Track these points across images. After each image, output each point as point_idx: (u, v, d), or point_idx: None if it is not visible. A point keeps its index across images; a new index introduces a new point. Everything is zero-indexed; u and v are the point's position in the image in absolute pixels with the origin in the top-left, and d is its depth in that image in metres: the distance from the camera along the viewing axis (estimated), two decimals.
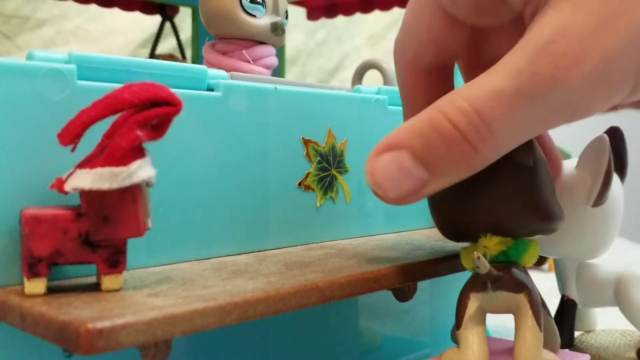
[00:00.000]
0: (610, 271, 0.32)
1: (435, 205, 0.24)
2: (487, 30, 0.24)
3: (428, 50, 0.24)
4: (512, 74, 0.18)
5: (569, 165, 0.29)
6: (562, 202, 0.24)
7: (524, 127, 0.19)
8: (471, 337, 0.22)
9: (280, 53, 0.61)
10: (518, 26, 0.22)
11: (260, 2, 0.34)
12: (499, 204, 0.22)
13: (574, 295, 0.32)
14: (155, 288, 0.20)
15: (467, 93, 0.19)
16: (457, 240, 0.25)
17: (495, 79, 0.18)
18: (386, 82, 0.40)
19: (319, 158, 0.30)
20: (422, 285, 0.27)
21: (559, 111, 0.18)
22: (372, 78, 0.42)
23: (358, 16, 0.61)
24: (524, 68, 0.18)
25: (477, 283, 0.23)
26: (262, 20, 0.34)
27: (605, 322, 0.35)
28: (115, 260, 0.19)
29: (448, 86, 0.24)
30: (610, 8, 0.18)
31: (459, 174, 0.20)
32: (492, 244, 0.22)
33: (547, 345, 0.24)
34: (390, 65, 0.40)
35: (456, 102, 0.19)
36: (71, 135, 0.18)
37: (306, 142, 0.30)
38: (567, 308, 0.32)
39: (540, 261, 0.31)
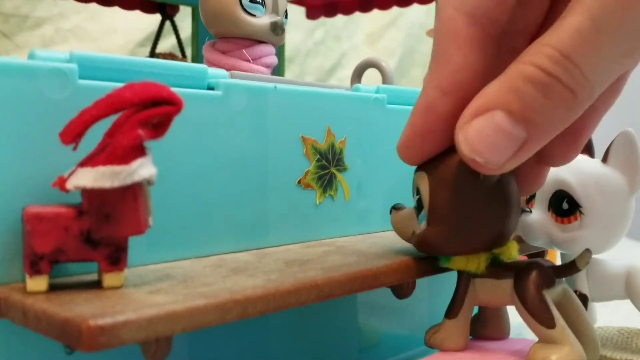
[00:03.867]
0: (620, 265, 0.32)
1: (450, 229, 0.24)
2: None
3: None
4: (585, 10, 0.18)
5: (592, 164, 0.30)
6: (603, 197, 0.27)
7: (612, 61, 0.18)
8: (567, 331, 0.22)
9: (280, 52, 0.61)
10: None
11: (260, 1, 0.34)
12: (513, 215, 0.23)
13: (585, 289, 0.32)
14: (155, 285, 0.20)
15: (550, 40, 0.18)
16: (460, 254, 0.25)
17: (572, 19, 0.18)
18: (385, 80, 0.40)
19: (318, 156, 0.30)
20: (421, 283, 0.27)
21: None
22: (371, 77, 0.42)
23: (356, 15, 0.61)
24: (595, 1, 0.18)
25: (546, 279, 0.23)
26: (262, 19, 0.35)
27: (602, 319, 0.36)
28: (116, 258, 0.19)
29: (490, 51, 0.22)
30: None
31: (558, 124, 0.19)
32: (515, 248, 0.25)
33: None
34: (388, 64, 0.40)
35: (542, 50, 0.18)
36: (73, 134, 0.19)
37: (305, 141, 0.30)
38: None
39: (539, 256, 0.32)
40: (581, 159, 0.30)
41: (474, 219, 0.23)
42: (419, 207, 0.24)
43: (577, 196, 0.29)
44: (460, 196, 0.22)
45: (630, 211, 0.30)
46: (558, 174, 0.29)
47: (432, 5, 0.48)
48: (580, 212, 0.29)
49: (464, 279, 0.25)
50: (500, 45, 0.23)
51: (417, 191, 0.24)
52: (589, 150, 0.31)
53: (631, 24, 0.17)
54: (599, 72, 0.18)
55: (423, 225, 0.24)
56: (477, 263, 0.24)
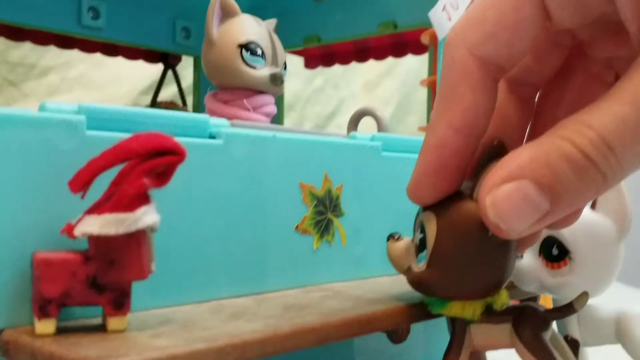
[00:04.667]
0: (610, 310, 0.33)
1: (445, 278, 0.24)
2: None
3: (503, 36, 0.20)
4: (634, 101, 0.18)
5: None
6: (592, 243, 0.27)
7: None
8: None
9: (280, 100, 0.63)
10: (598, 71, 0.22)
11: (260, 54, 0.36)
12: (511, 265, 0.24)
13: (576, 334, 0.32)
14: (157, 329, 0.21)
15: (592, 121, 0.18)
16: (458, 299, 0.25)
17: (618, 106, 0.18)
18: (380, 128, 0.41)
19: (315, 202, 0.31)
20: (416, 328, 0.28)
21: None
22: (368, 124, 0.44)
23: (354, 64, 0.63)
24: None
25: (544, 322, 0.24)
26: (262, 71, 0.36)
27: None
28: (120, 302, 0.20)
29: (495, 95, 0.22)
30: None
31: (583, 202, 0.19)
32: (506, 295, 0.25)
33: None
34: (383, 113, 0.41)
35: (582, 130, 0.18)
36: (81, 183, 0.19)
37: (303, 187, 0.31)
38: (571, 348, 0.33)
39: (533, 300, 0.32)
40: None
41: (475, 268, 0.23)
42: (421, 246, 0.24)
43: (566, 242, 0.29)
44: (466, 246, 0.23)
45: (619, 257, 0.30)
46: None
47: (426, 55, 0.50)
48: (570, 258, 0.29)
49: (460, 325, 0.25)
50: (509, 90, 0.24)
51: (422, 230, 0.24)
52: None
53: None
54: (634, 162, 0.19)
55: (423, 264, 0.24)
56: (472, 310, 0.24)
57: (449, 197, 0.23)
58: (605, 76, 0.23)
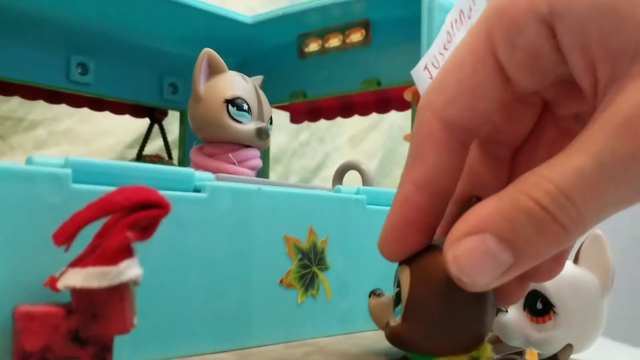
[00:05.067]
0: None
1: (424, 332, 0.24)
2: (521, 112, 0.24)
3: (462, 99, 0.21)
4: (593, 153, 0.18)
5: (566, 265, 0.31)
6: (575, 297, 0.27)
7: (610, 204, 0.19)
8: None
9: (265, 154, 0.63)
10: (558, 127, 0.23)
11: (246, 109, 0.36)
12: (489, 316, 0.24)
13: None
14: None
15: (550, 174, 0.18)
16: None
17: (577, 158, 0.18)
18: (365, 182, 0.41)
19: (300, 255, 0.31)
20: None
21: None
22: (354, 177, 0.44)
23: (340, 119, 0.64)
24: (604, 146, 0.18)
25: None
26: (248, 125, 0.36)
27: None
28: (102, 357, 0.20)
29: (462, 156, 0.22)
30: None
31: (545, 254, 0.19)
32: (489, 349, 0.24)
33: None
34: (368, 166, 0.42)
35: (541, 184, 0.18)
36: (65, 235, 0.19)
37: (288, 240, 0.31)
38: None
39: (520, 354, 0.32)
40: None
41: (451, 321, 0.23)
42: (397, 299, 0.24)
43: (550, 296, 0.29)
44: (438, 297, 0.22)
45: (603, 311, 0.31)
46: None
47: (409, 111, 0.51)
48: (555, 312, 0.29)
49: None
50: (483, 150, 0.24)
51: (398, 284, 0.24)
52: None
53: (638, 176, 0.18)
54: (595, 214, 0.19)
55: (398, 319, 0.24)
56: None
57: (423, 251, 0.23)
58: (576, 130, 0.23)
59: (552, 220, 0.18)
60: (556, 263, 0.24)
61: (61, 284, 0.19)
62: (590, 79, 0.20)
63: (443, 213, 0.23)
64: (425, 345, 0.23)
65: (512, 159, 0.25)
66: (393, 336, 0.24)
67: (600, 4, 0.19)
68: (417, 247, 0.23)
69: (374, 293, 0.26)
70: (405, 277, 0.23)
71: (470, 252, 0.19)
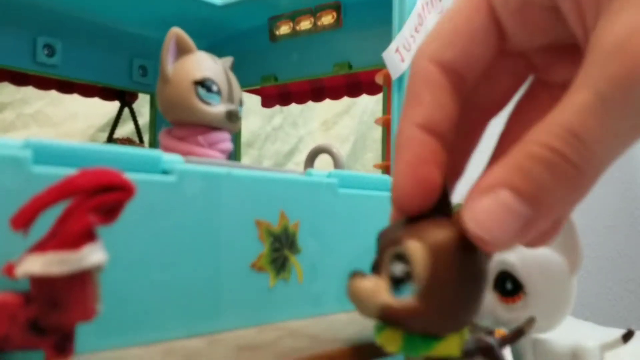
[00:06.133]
0: (565, 344, 0.33)
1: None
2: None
3: (458, 43, 0.22)
4: (590, 85, 0.18)
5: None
6: (545, 278, 0.28)
7: (619, 135, 0.18)
8: None
9: (236, 137, 0.63)
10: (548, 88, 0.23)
11: (216, 91, 0.35)
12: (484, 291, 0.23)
13: None
14: None
15: (556, 119, 0.18)
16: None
17: (577, 96, 0.18)
18: (336, 165, 0.41)
19: (271, 239, 0.31)
20: None
21: None
22: (325, 162, 0.44)
23: (312, 103, 0.64)
24: (600, 75, 0.18)
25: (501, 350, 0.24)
26: (218, 107, 0.36)
27: None
28: (63, 346, 0.19)
29: (457, 101, 0.22)
30: None
31: (562, 202, 0.19)
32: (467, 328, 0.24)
33: None
34: (339, 150, 0.42)
35: (549, 129, 0.18)
36: (23, 220, 0.19)
37: (259, 224, 0.30)
38: None
39: (512, 341, 0.32)
40: None
41: (467, 296, 0.22)
42: (403, 278, 0.22)
43: (520, 277, 0.30)
44: (461, 275, 0.21)
45: (572, 291, 0.31)
46: (502, 255, 0.30)
47: (380, 95, 0.51)
48: (524, 293, 0.30)
49: None
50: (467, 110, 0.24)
51: (403, 260, 0.22)
52: None
53: (638, 97, 0.18)
54: (605, 147, 0.18)
55: (410, 298, 0.22)
56: (457, 345, 0.23)
57: (429, 224, 0.22)
58: None
59: (564, 161, 0.18)
60: (554, 225, 0.23)
61: (19, 270, 0.18)
62: (582, 23, 0.19)
63: (446, 156, 0.22)
64: (439, 325, 0.22)
65: (483, 129, 0.25)
66: (401, 317, 0.22)
67: None
68: (435, 185, 0.22)
69: (357, 274, 0.24)
70: (418, 252, 0.22)
71: (489, 209, 0.19)
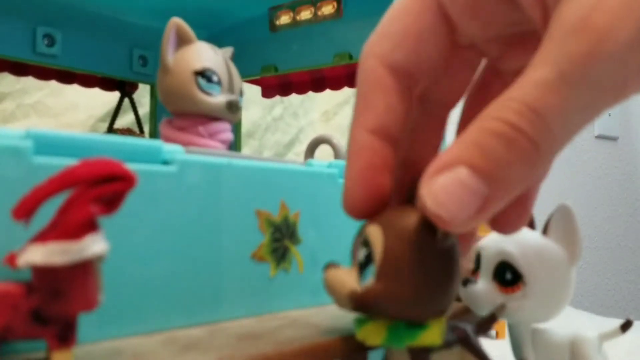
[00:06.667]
0: (564, 334, 0.33)
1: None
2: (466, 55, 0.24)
3: (408, 44, 0.22)
4: (550, 62, 0.18)
5: (533, 236, 0.31)
6: (544, 268, 0.28)
7: (576, 113, 0.18)
8: None
9: (237, 128, 0.63)
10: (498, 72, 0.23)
11: (216, 81, 0.35)
12: (458, 281, 0.23)
13: (531, 357, 0.33)
14: None
15: (514, 93, 0.18)
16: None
17: (536, 72, 0.18)
18: (337, 156, 0.41)
19: (272, 229, 0.31)
20: (374, 356, 0.27)
21: (604, 89, 0.18)
22: (325, 152, 0.44)
23: (312, 94, 0.64)
24: (560, 52, 0.18)
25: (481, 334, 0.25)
26: (218, 98, 0.36)
27: None
28: (65, 335, 0.19)
29: (408, 103, 0.22)
30: None
31: (520, 180, 0.19)
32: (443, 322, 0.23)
33: None
34: (340, 140, 0.42)
35: (507, 104, 0.18)
36: (25, 210, 0.19)
37: (260, 214, 0.30)
38: None
39: (487, 327, 0.32)
40: (523, 230, 0.31)
41: (429, 277, 0.22)
42: (366, 262, 0.23)
43: (519, 267, 0.30)
44: (414, 250, 0.21)
45: (571, 281, 0.31)
46: (501, 246, 0.30)
47: None
48: (523, 283, 0.30)
49: (422, 357, 0.24)
50: (422, 110, 0.24)
51: (366, 245, 0.23)
52: (530, 222, 0.33)
53: (597, 75, 0.17)
54: (563, 124, 0.18)
55: (370, 280, 0.22)
56: (439, 333, 0.23)
57: (391, 209, 0.22)
58: None
59: (522, 136, 0.18)
60: (522, 208, 0.23)
61: (21, 260, 0.18)
62: (540, 7, 0.19)
63: (396, 160, 0.22)
64: (401, 305, 0.22)
65: (445, 120, 0.25)
66: (365, 301, 0.22)
67: None
68: (383, 193, 0.22)
69: (330, 265, 0.25)
70: (376, 234, 0.22)
71: (446, 187, 0.19)
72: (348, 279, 0.23)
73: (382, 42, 0.22)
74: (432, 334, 0.23)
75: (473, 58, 0.24)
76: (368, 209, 0.23)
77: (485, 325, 0.26)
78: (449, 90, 0.24)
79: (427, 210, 0.19)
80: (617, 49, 0.17)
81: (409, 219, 0.21)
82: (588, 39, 0.17)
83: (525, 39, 0.21)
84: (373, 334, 0.23)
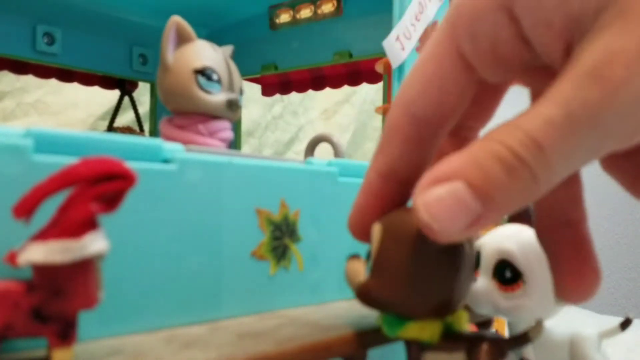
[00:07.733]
0: (564, 332, 0.33)
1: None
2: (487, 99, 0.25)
3: (430, 94, 0.23)
4: (562, 102, 0.18)
5: (532, 233, 0.31)
6: (543, 266, 0.28)
7: (579, 153, 0.19)
8: None
9: (237, 126, 0.63)
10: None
11: (216, 79, 0.35)
12: (462, 281, 0.23)
13: (531, 356, 0.33)
14: None
15: (522, 123, 0.19)
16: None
17: (547, 108, 0.19)
18: (336, 154, 0.41)
19: (272, 228, 0.31)
20: (373, 354, 0.27)
21: (610, 136, 0.19)
22: (325, 151, 0.44)
23: (312, 92, 0.64)
24: (573, 95, 0.18)
25: (498, 352, 0.24)
26: (218, 96, 0.36)
27: None
28: (65, 333, 0.19)
29: (427, 147, 0.24)
30: None
31: (513, 204, 0.19)
32: (465, 318, 0.25)
33: None
34: (340, 139, 0.42)
35: (513, 132, 0.19)
36: (25, 208, 0.19)
37: (260, 213, 0.30)
38: None
39: (487, 324, 0.32)
40: (522, 228, 0.31)
41: (419, 276, 0.22)
42: (368, 258, 0.24)
43: (519, 265, 0.30)
44: (408, 250, 0.22)
45: None
46: (501, 244, 0.30)
47: (380, 84, 0.51)
48: (523, 281, 0.30)
49: (415, 351, 0.25)
50: (453, 135, 0.26)
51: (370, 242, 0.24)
52: (529, 220, 0.33)
53: (605, 121, 0.18)
54: (565, 161, 0.19)
55: (366, 276, 0.24)
56: (431, 332, 0.23)
57: (396, 210, 0.24)
58: None
59: (523, 166, 0.18)
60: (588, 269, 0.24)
61: (22, 259, 0.18)
62: (559, 50, 0.20)
63: (406, 199, 0.24)
64: (391, 303, 0.23)
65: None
66: (361, 293, 0.24)
67: None
68: (369, 227, 0.24)
69: (353, 257, 0.27)
70: (377, 233, 0.23)
71: (441, 199, 0.19)
72: (360, 271, 0.25)
73: (406, 91, 0.23)
74: (423, 330, 0.23)
75: (500, 87, 0.25)
76: (363, 238, 0.25)
77: (514, 343, 0.25)
78: (477, 117, 0.26)
79: (419, 218, 0.20)
80: (629, 100, 0.18)
81: (405, 221, 0.23)
82: (602, 87, 0.18)
83: (542, 71, 0.22)
84: (380, 322, 0.25)
